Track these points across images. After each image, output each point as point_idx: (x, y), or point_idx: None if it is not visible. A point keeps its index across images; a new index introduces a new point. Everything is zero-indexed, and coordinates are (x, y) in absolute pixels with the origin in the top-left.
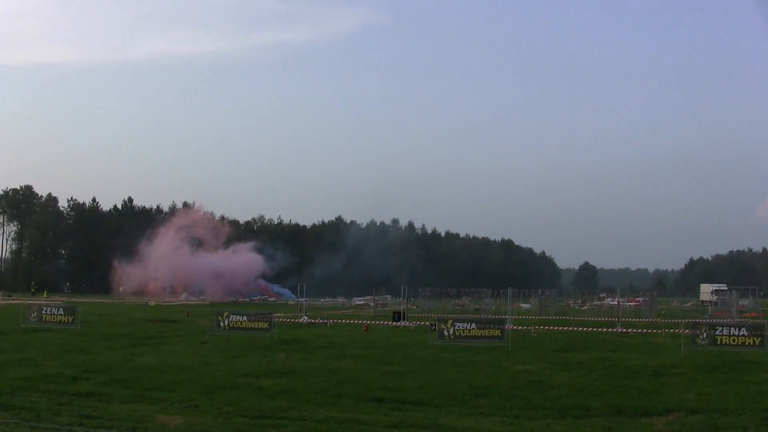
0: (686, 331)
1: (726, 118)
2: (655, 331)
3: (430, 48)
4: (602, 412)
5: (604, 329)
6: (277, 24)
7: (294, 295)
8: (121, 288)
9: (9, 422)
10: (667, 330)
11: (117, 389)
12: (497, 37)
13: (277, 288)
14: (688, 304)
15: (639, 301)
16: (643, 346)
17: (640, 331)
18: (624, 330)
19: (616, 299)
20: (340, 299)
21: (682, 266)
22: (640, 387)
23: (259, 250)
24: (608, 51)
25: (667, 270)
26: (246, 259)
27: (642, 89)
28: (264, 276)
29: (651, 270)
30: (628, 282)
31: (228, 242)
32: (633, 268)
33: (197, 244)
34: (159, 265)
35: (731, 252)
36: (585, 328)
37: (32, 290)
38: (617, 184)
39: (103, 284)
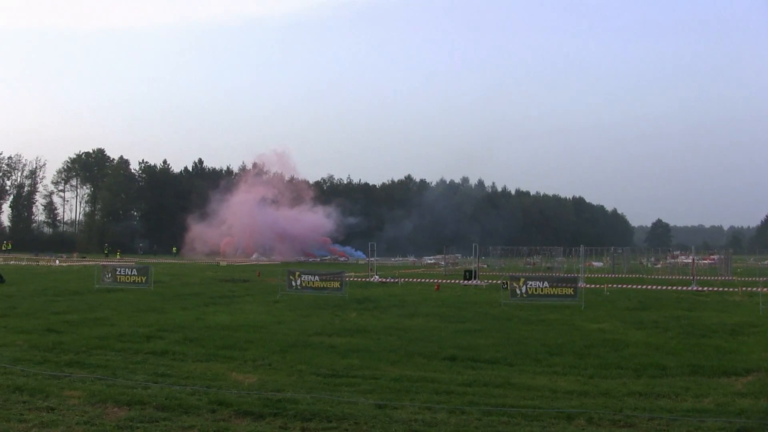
0: (765, 289)
1: None
2: (731, 289)
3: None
4: (679, 371)
5: (679, 287)
6: None
7: (363, 255)
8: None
9: (86, 379)
10: (744, 288)
11: (190, 348)
12: None
13: (347, 249)
14: (766, 262)
15: (714, 259)
16: (720, 305)
17: (715, 289)
18: (699, 288)
19: (691, 257)
20: (411, 258)
21: (758, 223)
22: (717, 346)
23: (329, 212)
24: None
25: (742, 227)
26: (315, 219)
27: (725, 45)
28: (333, 237)
29: (726, 227)
30: (702, 239)
31: (298, 202)
32: (707, 225)
33: (268, 204)
34: (231, 226)
35: None
36: (659, 287)
37: (105, 251)
38: (689, 139)
39: (175, 244)
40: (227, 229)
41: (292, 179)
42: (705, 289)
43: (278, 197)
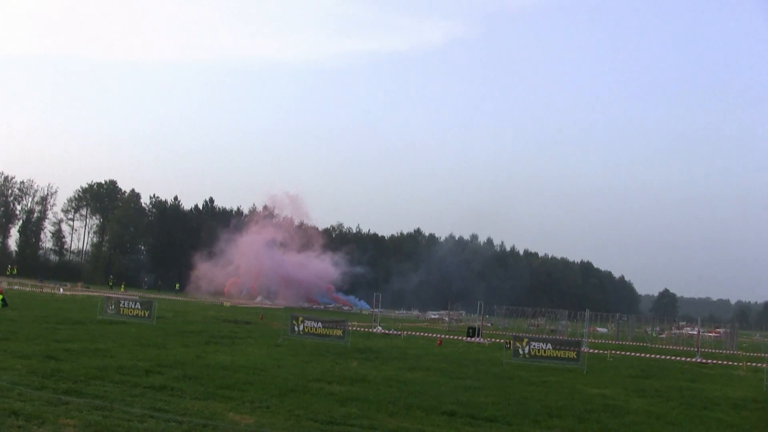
0: None
1: None
2: (736, 363)
3: (518, 62)
4: None
5: (683, 358)
6: (365, 33)
7: (367, 305)
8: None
9: (83, 408)
10: (749, 363)
11: (189, 385)
12: (586, 53)
13: (350, 298)
14: None
15: (720, 332)
16: (724, 378)
17: (720, 362)
18: (704, 360)
19: (696, 329)
20: (415, 312)
21: (766, 299)
22: (719, 419)
23: (336, 259)
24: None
25: (750, 302)
26: (322, 266)
27: (736, 116)
28: (338, 285)
29: (733, 301)
30: (708, 312)
31: (306, 247)
32: (714, 298)
33: (276, 247)
34: (238, 266)
35: None
36: (663, 356)
37: (110, 283)
38: (701, 212)
39: (181, 281)
40: (234, 270)
41: (301, 224)
42: (709, 361)
43: (287, 241)
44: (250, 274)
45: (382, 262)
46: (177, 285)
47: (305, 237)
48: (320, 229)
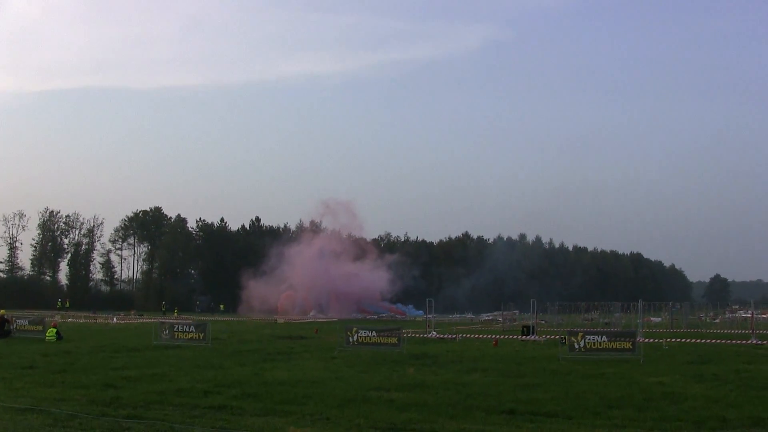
0: None
1: None
2: None
3: (553, 63)
4: (740, 423)
5: (738, 341)
6: (399, 43)
7: (420, 312)
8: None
9: None
10: None
11: (248, 402)
12: (620, 50)
13: (400, 305)
14: None
15: None
16: None
17: None
18: (759, 342)
19: (750, 311)
20: (469, 315)
21: None
22: None
23: (387, 269)
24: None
25: None
26: (373, 276)
27: None
28: (389, 294)
29: None
30: (761, 294)
31: (358, 258)
32: (766, 280)
33: (328, 257)
34: (291, 282)
35: None
36: (718, 341)
37: (163, 309)
38: (748, 194)
39: (233, 302)
40: (287, 287)
41: (349, 235)
42: (765, 342)
43: (339, 251)
44: (302, 288)
45: (433, 269)
46: (222, 306)
47: (356, 247)
48: (368, 239)
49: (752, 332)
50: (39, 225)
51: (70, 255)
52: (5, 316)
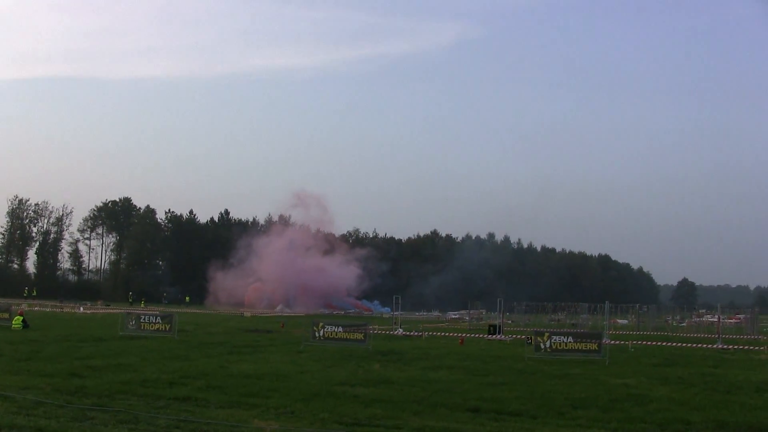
0: None
1: None
2: (758, 348)
3: (525, 60)
4: (704, 426)
5: (704, 345)
6: (372, 38)
7: (387, 309)
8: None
9: (109, 422)
10: None
11: (213, 394)
12: (590, 48)
13: (368, 303)
14: None
15: (740, 318)
16: (746, 363)
17: (741, 347)
18: (725, 346)
19: (717, 315)
20: (435, 313)
21: None
22: (743, 402)
23: (355, 265)
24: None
25: None
26: (341, 272)
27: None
28: (356, 290)
29: (752, 287)
30: (728, 299)
31: (326, 253)
32: (733, 285)
33: (296, 250)
34: (259, 275)
35: None
36: (684, 344)
37: (130, 300)
38: (716, 198)
39: (200, 294)
40: (254, 280)
41: (318, 231)
42: (730, 347)
43: (308, 245)
44: (270, 281)
45: (401, 266)
46: (187, 298)
47: (325, 242)
48: (337, 235)
49: (719, 336)
50: (8, 212)
51: (38, 243)
52: None
